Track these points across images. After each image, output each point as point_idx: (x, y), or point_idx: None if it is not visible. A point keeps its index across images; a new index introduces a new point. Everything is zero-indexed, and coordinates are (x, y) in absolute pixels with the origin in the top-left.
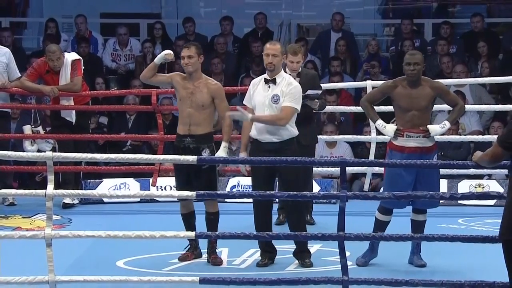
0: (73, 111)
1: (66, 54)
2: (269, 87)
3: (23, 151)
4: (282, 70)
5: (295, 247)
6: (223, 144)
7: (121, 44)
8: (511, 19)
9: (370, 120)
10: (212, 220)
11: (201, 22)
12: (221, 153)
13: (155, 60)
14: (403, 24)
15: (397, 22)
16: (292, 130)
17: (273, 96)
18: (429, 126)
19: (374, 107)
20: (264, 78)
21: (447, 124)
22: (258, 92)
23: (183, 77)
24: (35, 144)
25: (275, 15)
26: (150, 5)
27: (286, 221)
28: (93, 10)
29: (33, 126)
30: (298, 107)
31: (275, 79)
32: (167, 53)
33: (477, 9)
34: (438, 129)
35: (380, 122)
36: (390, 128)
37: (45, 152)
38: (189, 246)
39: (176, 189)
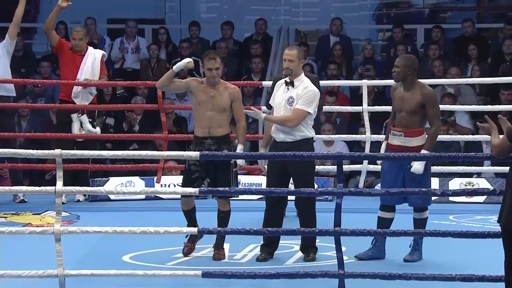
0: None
1: (91, 48)
2: (288, 89)
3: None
4: (303, 73)
5: (298, 243)
6: (239, 147)
7: (128, 36)
8: (499, 25)
9: (365, 121)
10: (222, 217)
11: (203, 27)
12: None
13: (174, 68)
14: (394, 31)
15: (390, 28)
16: (305, 132)
17: (289, 98)
18: (413, 168)
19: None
20: (285, 80)
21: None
22: (278, 93)
23: (199, 82)
24: (83, 131)
25: (275, 21)
26: (154, 11)
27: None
28: (100, 16)
29: (79, 115)
30: (311, 110)
31: (293, 82)
32: (188, 61)
33: (468, 15)
34: (420, 166)
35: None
36: None
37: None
38: (189, 236)
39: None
